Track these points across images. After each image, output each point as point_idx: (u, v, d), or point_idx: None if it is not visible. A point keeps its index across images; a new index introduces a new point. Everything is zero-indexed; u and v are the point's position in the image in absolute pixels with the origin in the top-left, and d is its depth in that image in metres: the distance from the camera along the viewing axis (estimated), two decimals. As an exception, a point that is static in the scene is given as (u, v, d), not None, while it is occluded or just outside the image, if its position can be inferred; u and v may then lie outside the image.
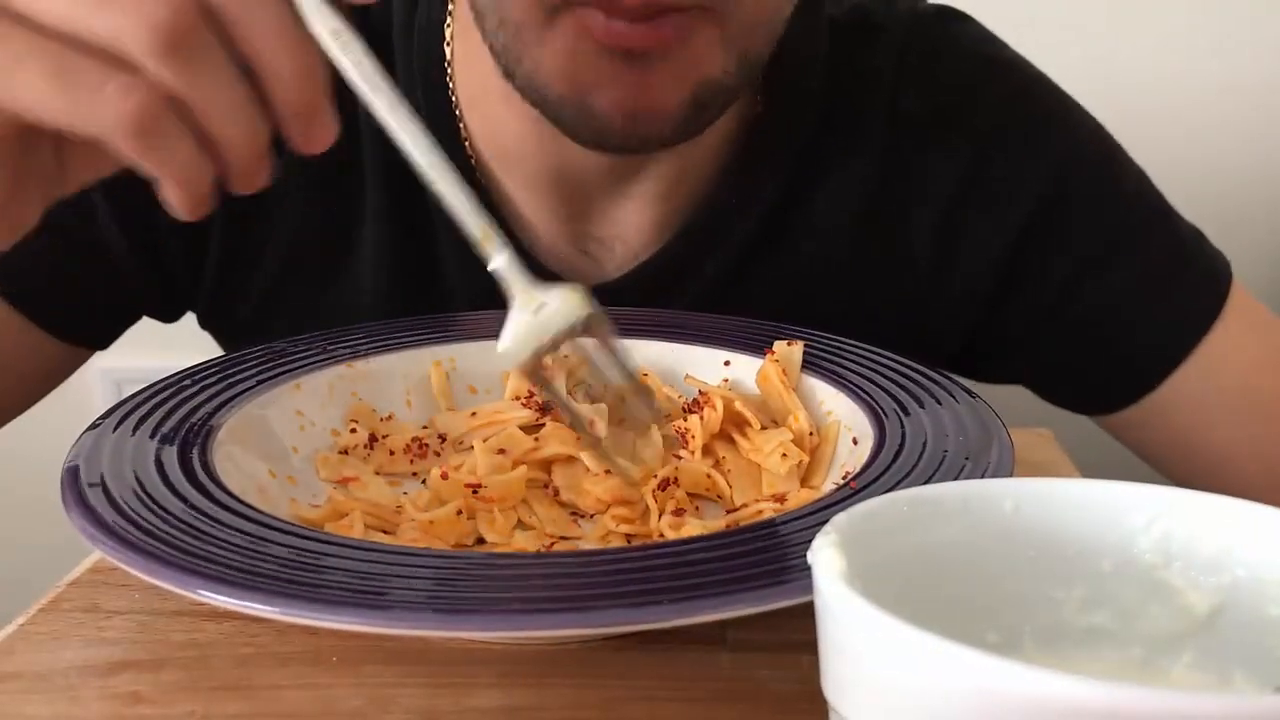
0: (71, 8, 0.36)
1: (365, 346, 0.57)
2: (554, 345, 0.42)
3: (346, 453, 0.53)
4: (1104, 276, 0.65)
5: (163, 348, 0.85)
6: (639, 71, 0.52)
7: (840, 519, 0.30)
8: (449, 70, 0.64)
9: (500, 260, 0.42)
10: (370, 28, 0.65)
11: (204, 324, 0.72)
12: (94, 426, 0.47)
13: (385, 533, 0.47)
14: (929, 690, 0.23)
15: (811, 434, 0.51)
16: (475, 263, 0.62)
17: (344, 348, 0.57)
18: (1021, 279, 0.66)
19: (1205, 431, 0.65)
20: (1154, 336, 0.64)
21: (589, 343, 0.50)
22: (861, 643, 0.25)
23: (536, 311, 0.42)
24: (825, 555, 0.27)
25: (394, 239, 0.65)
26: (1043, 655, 0.33)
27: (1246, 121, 1.20)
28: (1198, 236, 0.67)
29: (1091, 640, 0.33)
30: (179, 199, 0.39)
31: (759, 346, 0.56)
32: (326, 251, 0.66)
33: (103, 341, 0.70)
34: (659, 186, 0.64)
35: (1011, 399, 0.63)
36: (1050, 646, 0.33)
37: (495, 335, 0.58)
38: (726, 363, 0.57)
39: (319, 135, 0.40)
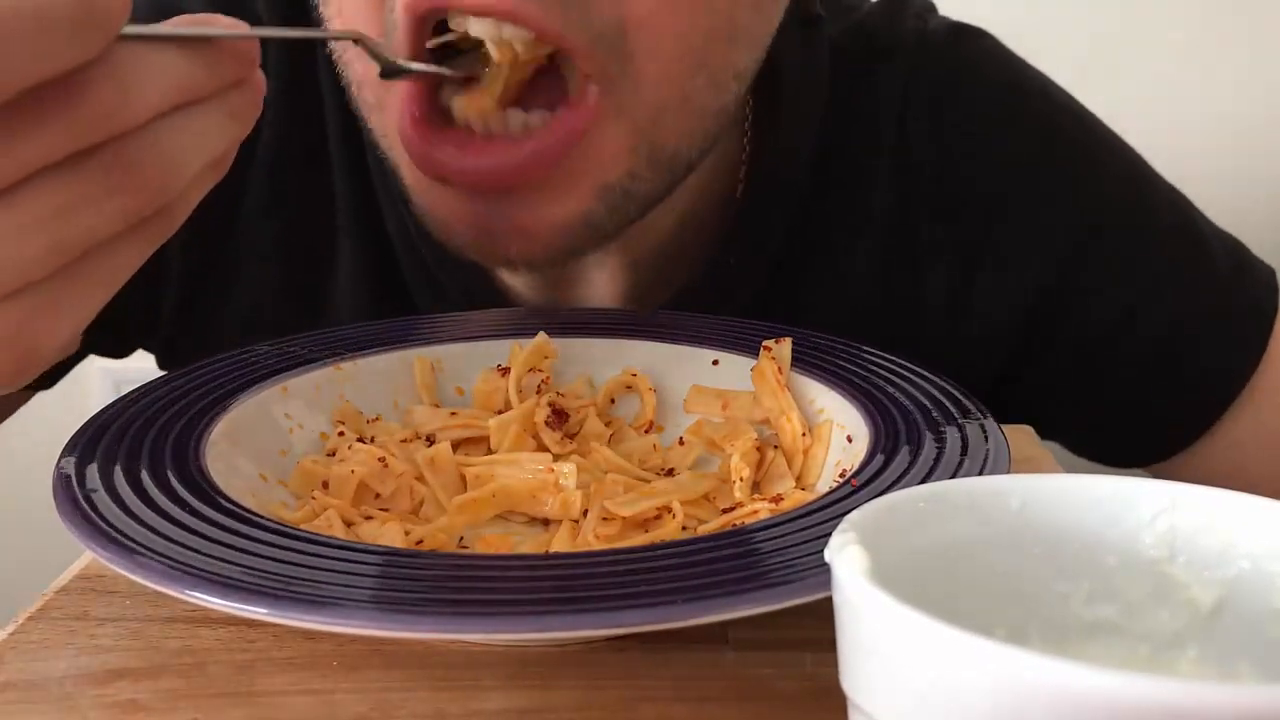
0: None
1: (351, 348, 0.57)
2: None
3: (335, 454, 0.53)
4: (1139, 326, 0.61)
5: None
6: (497, 204, 0.44)
7: (855, 516, 0.30)
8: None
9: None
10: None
11: (164, 364, 0.69)
12: (84, 429, 0.46)
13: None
14: (964, 685, 0.24)
15: (804, 434, 0.51)
16: (439, 287, 0.61)
17: (329, 349, 0.57)
18: (1050, 330, 0.62)
19: (1241, 470, 0.62)
20: (1195, 389, 0.61)
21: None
22: (892, 641, 0.25)
23: None
24: (849, 553, 0.27)
25: (367, 281, 0.63)
26: (1049, 650, 0.34)
27: (1252, 120, 1.22)
28: (1237, 262, 0.62)
29: (1097, 635, 0.33)
30: None
31: (747, 346, 0.56)
32: (294, 308, 0.64)
33: (48, 383, 0.64)
34: (626, 259, 0.60)
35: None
36: (1056, 641, 0.33)
37: (482, 337, 0.59)
38: (715, 362, 0.57)
39: None
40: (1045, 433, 0.68)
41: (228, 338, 0.63)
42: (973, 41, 0.64)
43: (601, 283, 0.62)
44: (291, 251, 0.63)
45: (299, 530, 0.40)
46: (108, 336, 0.65)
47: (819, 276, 0.62)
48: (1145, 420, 0.63)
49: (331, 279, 0.64)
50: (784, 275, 0.62)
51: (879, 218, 0.62)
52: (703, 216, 0.61)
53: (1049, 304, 0.62)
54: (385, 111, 0.45)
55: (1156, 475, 0.65)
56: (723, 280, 0.61)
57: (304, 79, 0.61)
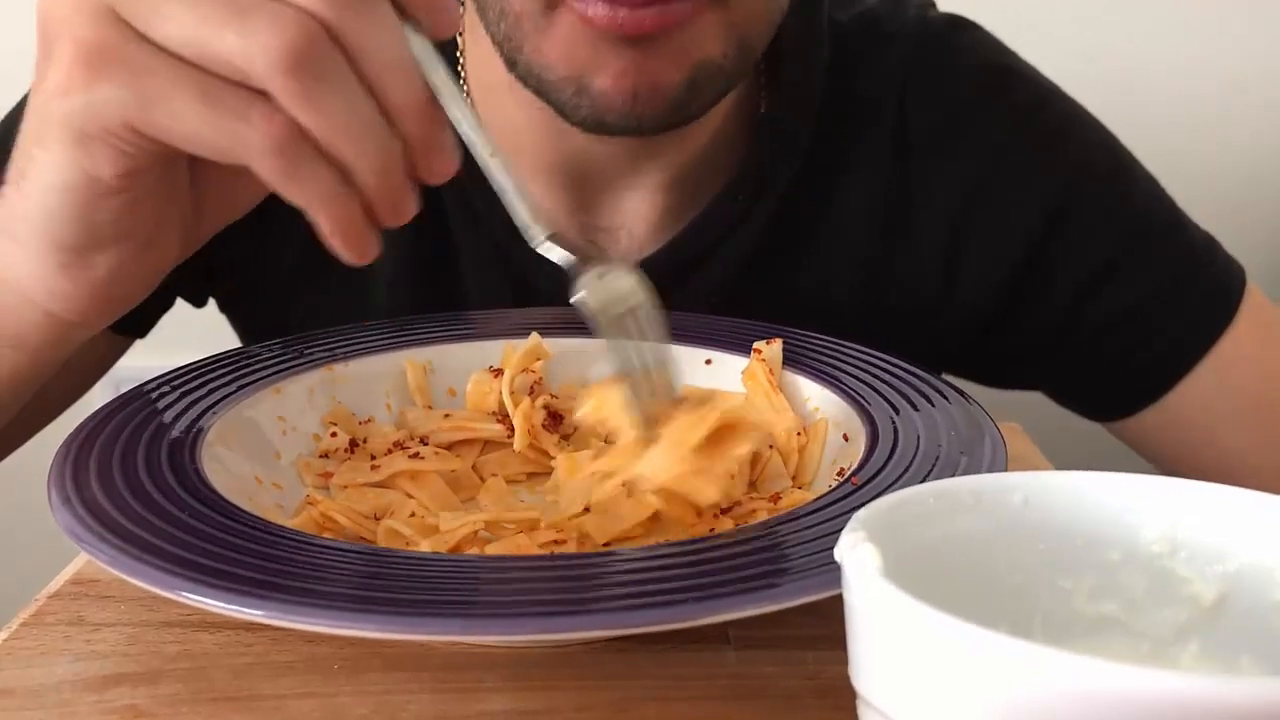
0: (197, 30, 0.36)
1: (344, 350, 0.57)
2: (621, 304, 0.44)
3: (327, 456, 0.52)
4: (1112, 291, 0.65)
5: (163, 348, 0.83)
6: (640, 52, 0.52)
7: (864, 514, 0.30)
8: (461, 62, 0.65)
9: (547, 238, 0.43)
10: None
11: (224, 309, 0.73)
12: (79, 430, 0.46)
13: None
14: (981, 681, 0.24)
15: (799, 433, 0.51)
16: (489, 257, 0.65)
17: (322, 351, 0.56)
18: (1031, 292, 0.66)
19: (1214, 437, 0.66)
20: (1161, 347, 0.65)
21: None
22: (908, 637, 0.25)
23: (601, 276, 0.44)
24: (861, 551, 0.27)
25: (412, 240, 0.65)
26: (1052, 645, 0.34)
27: (1250, 117, 1.22)
28: (1209, 246, 0.67)
29: (1100, 629, 0.33)
30: (331, 231, 0.39)
31: (740, 345, 0.56)
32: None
33: (144, 329, 0.71)
34: (663, 178, 0.65)
35: (977, 394, 0.65)
36: (1059, 637, 0.33)
37: (474, 336, 0.59)
38: (708, 361, 0.57)
39: (440, 166, 0.40)
40: (1025, 382, 0.72)
41: (269, 289, 0.69)
42: (968, 31, 0.70)
43: (629, 208, 0.66)
44: None
45: (298, 532, 0.39)
46: (191, 281, 0.70)
47: (820, 230, 0.67)
48: (1116, 374, 0.67)
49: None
50: (786, 227, 0.66)
51: (879, 180, 0.66)
52: (729, 142, 0.66)
53: (1034, 260, 0.66)
54: (544, 32, 0.53)
55: (1132, 435, 0.69)
56: (727, 215, 0.65)
57: None
